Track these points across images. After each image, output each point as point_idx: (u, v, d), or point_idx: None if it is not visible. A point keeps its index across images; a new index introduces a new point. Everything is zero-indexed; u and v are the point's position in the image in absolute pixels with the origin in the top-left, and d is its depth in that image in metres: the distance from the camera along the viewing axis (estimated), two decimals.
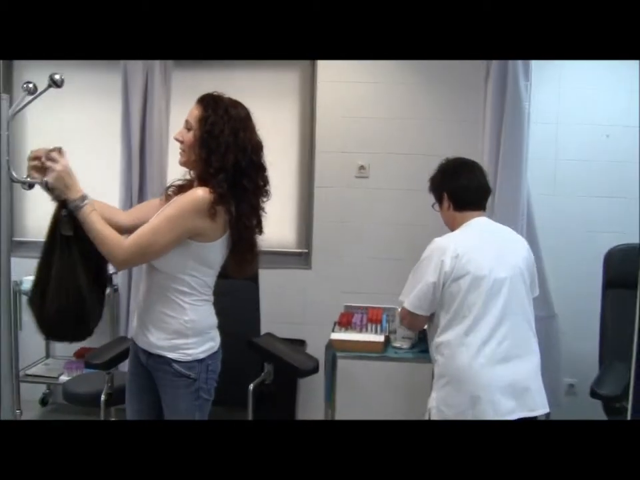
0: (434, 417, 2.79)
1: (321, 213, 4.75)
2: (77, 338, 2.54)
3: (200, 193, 2.36)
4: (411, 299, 2.96)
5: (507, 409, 2.73)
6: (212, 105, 2.43)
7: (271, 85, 4.77)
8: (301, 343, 4.61)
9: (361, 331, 3.55)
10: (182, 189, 2.54)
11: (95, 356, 3.27)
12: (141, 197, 4.36)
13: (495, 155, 3.88)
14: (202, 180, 2.42)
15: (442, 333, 2.88)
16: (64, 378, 4.53)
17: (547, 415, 2.91)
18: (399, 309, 3.25)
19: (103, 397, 3.17)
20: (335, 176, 4.71)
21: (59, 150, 2.32)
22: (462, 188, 3.02)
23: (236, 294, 3.41)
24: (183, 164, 2.50)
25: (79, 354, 4.74)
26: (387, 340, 3.45)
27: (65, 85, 2.18)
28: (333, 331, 3.62)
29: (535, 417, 2.79)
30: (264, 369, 3.29)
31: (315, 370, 3.13)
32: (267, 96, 4.71)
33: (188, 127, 2.45)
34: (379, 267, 4.69)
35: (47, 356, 4.94)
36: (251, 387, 3.18)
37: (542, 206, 4.21)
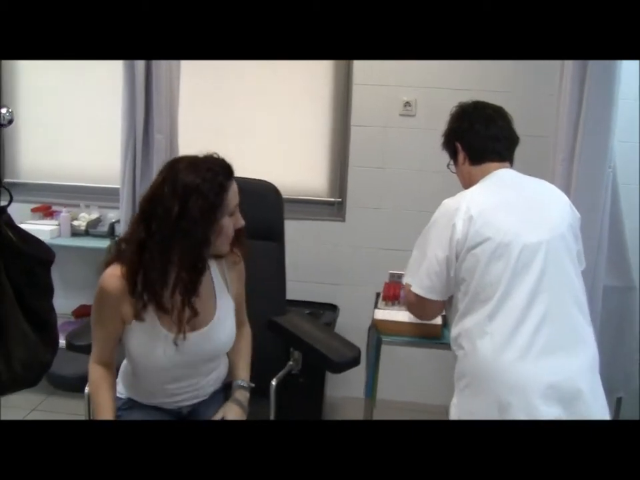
0: None
1: (358, 156, 3.90)
2: None
3: None
4: (419, 279, 2.25)
5: (550, 418, 1.97)
6: None
7: None
8: (333, 309, 3.83)
9: None
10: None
11: (77, 334, 2.48)
12: (146, 135, 3.54)
13: (579, 92, 3.02)
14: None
15: (460, 319, 2.16)
16: (60, 341, 3.77)
17: None
18: (403, 288, 2.52)
19: (87, 390, 2.40)
20: (375, 113, 3.84)
21: None
22: (479, 135, 2.31)
23: (256, 258, 2.61)
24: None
25: (79, 313, 3.99)
26: (444, 321, 2.63)
27: None
28: (375, 306, 2.82)
29: None
30: (290, 355, 2.51)
31: (355, 362, 2.34)
32: None
33: None
34: (425, 221, 3.85)
35: None
36: (274, 382, 2.40)
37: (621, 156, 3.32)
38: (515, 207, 2.17)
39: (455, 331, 2.19)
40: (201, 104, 3.90)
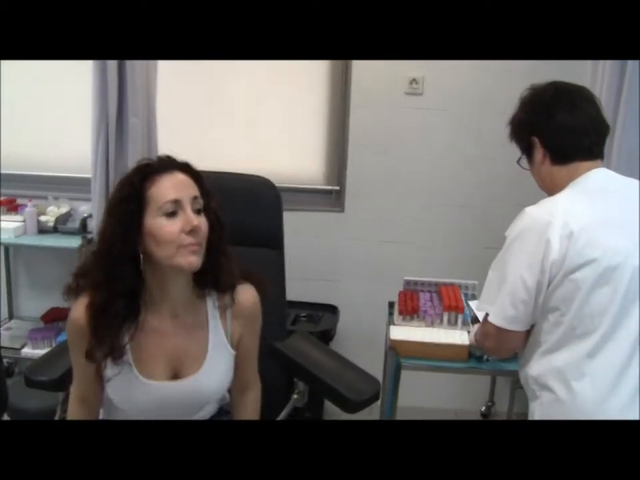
0: None
1: (358, 140, 3.41)
2: None
3: None
4: (500, 308, 1.78)
5: None
6: (202, 181, 1.67)
7: None
8: (332, 310, 3.38)
9: (433, 324, 2.31)
10: None
11: (38, 367, 2.02)
12: (120, 119, 3.08)
13: (619, 73, 2.58)
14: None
15: (545, 355, 1.76)
16: (27, 351, 3.36)
17: None
18: (472, 329, 2.18)
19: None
20: (377, 93, 3.35)
21: None
22: (563, 128, 1.81)
23: (251, 269, 2.15)
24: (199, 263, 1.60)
25: (49, 317, 3.52)
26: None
27: None
28: (391, 321, 2.38)
29: None
30: (294, 386, 2.07)
31: (375, 398, 1.90)
32: None
33: (198, 209, 1.61)
34: (436, 212, 3.42)
35: (10, 317, 3.67)
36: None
37: None
38: (621, 221, 1.73)
39: (535, 368, 1.78)
40: (181, 83, 3.41)
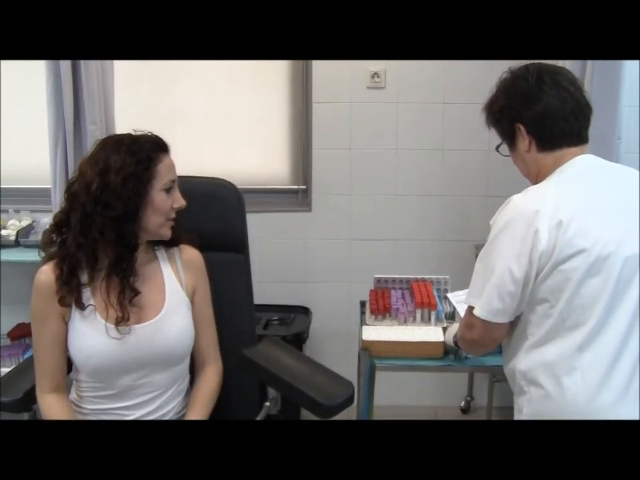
0: None
1: (322, 136, 3.34)
2: None
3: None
4: (487, 301, 1.70)
5: None
6: None
7: None
8: (305, 312, 3.32)
9: (405, 322, 2.25)
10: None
11: (4, 386, 1.93)
12: (77, 126, 2.98)
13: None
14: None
15: (534, 349, 1.69)
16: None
17: None
18: (451, 328, 2.10)
19: None
20: (339, 87, 3.28)
21: None
22: (551, 113, 1.72)
23: (217, 274, 2.07)
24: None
25: (16, 334, 3.40)
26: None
27: None
28: (363, 321, 2.31)
29: None
30: (266, 394, 2.00)
31: (349, 402, 1.83)
32: None
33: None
34: (404, 206, 3.36)
35: None
36: None
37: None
38: (611, 209, 1.66)
39: (524, 362, 1.70)
40: (140, 86, 3.32)
